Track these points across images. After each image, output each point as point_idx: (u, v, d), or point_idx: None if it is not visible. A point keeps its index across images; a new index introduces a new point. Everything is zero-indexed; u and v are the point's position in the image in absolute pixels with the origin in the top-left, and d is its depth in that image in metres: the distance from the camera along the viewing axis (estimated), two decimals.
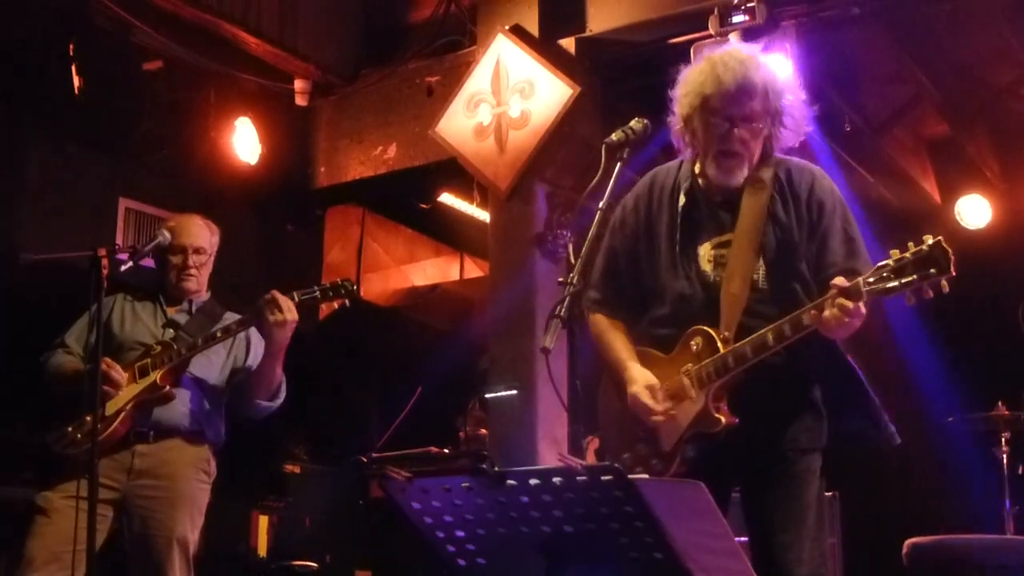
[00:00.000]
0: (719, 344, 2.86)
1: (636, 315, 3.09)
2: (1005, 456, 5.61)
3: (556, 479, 2.20)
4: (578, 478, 2.18)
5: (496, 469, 2.24)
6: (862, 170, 7.13)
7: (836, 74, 6.24)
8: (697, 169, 3.03)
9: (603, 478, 2.14)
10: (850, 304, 2.61)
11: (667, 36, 5.88)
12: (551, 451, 5.64)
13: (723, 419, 2.85)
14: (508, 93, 6.14)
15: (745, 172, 2.94)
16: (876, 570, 6.15)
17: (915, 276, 2.51)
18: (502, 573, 2.50)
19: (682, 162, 3.09)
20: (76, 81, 5.77)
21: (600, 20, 6.06)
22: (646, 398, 2.91)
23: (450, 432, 6.98)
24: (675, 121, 3.03)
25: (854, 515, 6.25)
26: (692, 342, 2.92)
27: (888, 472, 7.25)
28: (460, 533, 2.40)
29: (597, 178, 3.03)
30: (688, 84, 2.97)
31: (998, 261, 7.16)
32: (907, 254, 2.55)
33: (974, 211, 7.67)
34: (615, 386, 3.06)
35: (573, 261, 2.85)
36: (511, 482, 2.24)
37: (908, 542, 4.63)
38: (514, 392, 5.85)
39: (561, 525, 2.26)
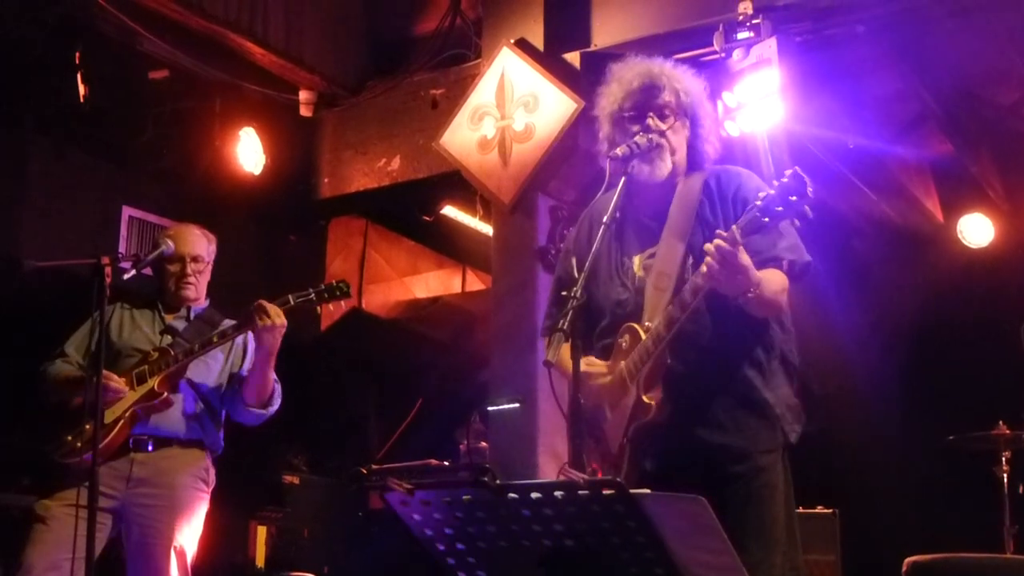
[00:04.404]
0: (642, 334, 2.91)
1: (587, 339, 3.09)
2: (1005, 475, 5.59)
3: (558, 493, 2.19)
4: (580, 492, 2.17)
5: (498, 482, 2.24)
6: (865, 188, 7.13)
7: (839, 92, 6.25)
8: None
9: (605, 492, 2.14)
10: (725, 244, 2.68)
11: (672, 52, 5.86)
12: (551, 465, 5.62)
13: (653, 403, 2.87)
14: (512, 106, 6.14)
15: (668, 164, 3.03)
16: None
17: (781, 207, 2.62)
18: None
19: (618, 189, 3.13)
20: (82, 89, 5.80)
21: (605, 35, 6.07)
22: (587, 367, 2.95)
23: (450, 445, 6.97)
24: (601, 145, 3.13)
25: (853, 533, 6.23)
26: (621, 340, 2.99)
27: (888, 490, 7.23)
28: (461, 546, 2.39)
29: (601, 192, 3.03)
30: (603, 104, 3.16)
31: (1000, 280, 7.17)
32: (770, 191, 2.65)
33: (977, 230, 7.66)
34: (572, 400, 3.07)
35: (576, 275, 2.85)
36: (513, 495, 2.23)
37: (908, 561, 4.60)
38: (516, 405, 5.84)
39: (562, 539, 2.26)
